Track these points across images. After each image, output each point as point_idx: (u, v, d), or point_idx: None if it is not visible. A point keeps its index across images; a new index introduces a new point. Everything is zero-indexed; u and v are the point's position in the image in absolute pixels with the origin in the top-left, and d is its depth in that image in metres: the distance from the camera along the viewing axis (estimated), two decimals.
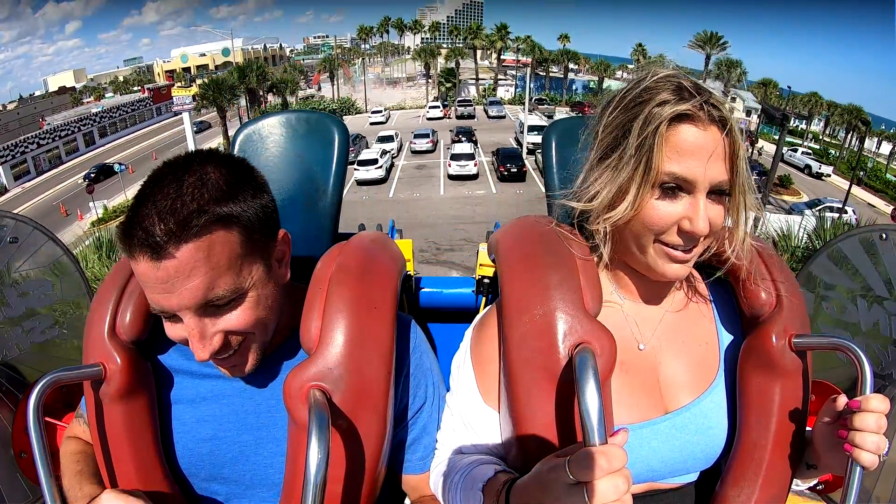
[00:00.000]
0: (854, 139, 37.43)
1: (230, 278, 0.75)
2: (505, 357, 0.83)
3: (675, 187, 0.76)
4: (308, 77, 61.76)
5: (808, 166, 32.99)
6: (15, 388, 1.26)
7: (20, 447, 1.22)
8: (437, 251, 16.87)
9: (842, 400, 0.76)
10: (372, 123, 43.42)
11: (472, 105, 47.30)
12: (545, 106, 47.49)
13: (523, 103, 36.54)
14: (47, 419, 1.19)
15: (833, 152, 37.94)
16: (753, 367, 0.85)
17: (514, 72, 62.05)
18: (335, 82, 56.08)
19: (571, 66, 56.87)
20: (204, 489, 0.92)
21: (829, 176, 32.35)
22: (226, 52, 57.69)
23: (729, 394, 0.89)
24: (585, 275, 0.84)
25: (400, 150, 32.75)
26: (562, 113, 41.09)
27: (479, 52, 61.19)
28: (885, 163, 36.28)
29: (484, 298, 1.53)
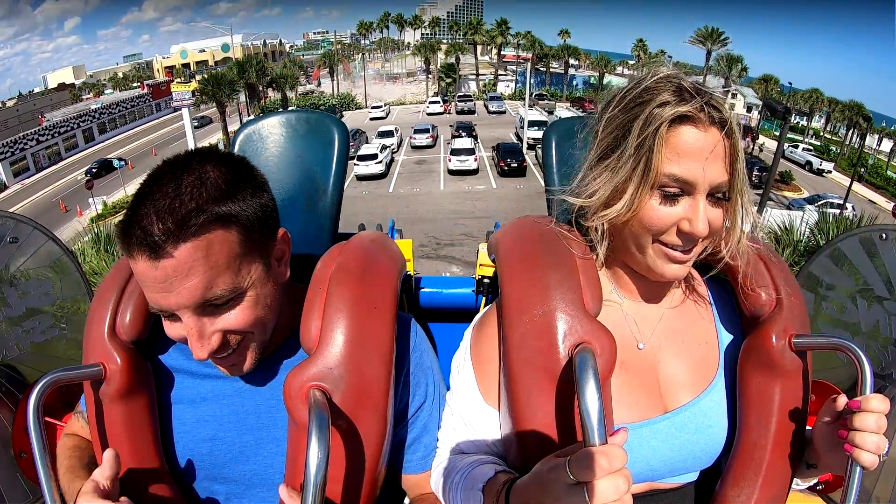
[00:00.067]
0: (855, 136, 37.35)
1: (229, 278, 0.75)
2: (505, 357, 0.83)
3: (676, 193, 0.76)
4: (308, 73, 61.60)
5: (808, 163, 32.92)
6: (15, 388, 1.26)
7: (20, 447, 1.22)
8: (437, 246, 16.90)
9: (842, 400, 0.76)
10: (372, 119, 43.39)
11: (472, 100, 47.19)
12: (545, 101, 47.43)
13: (523, 99, 36.51)
14: (47, 419, 1.19)
15: (834, 149, 37.87)
16: (753, 366, 0.85)
17: (514, 67, 61.80)
18: (335, 78, 55.89)
19: (572, 61, 56.62)
20: (204, 489, 0.92)
21: (830, 172, 32.29)
22: (225, 47, 57.48)
23: (729, 393, 0.89)
24: (585, 274, 0.84)
25: (400, 145, 32.73)
26: (562, 108, 41.02)
27: (479, 48, 60.99)
28: (886, 160, 36.19)
29: (484, 298, 1.53)
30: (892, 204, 23.57)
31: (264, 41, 67.32)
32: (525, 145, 28.36)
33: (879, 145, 40.17)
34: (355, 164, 25.55)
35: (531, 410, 0.79)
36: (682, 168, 0.74)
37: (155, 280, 0.71)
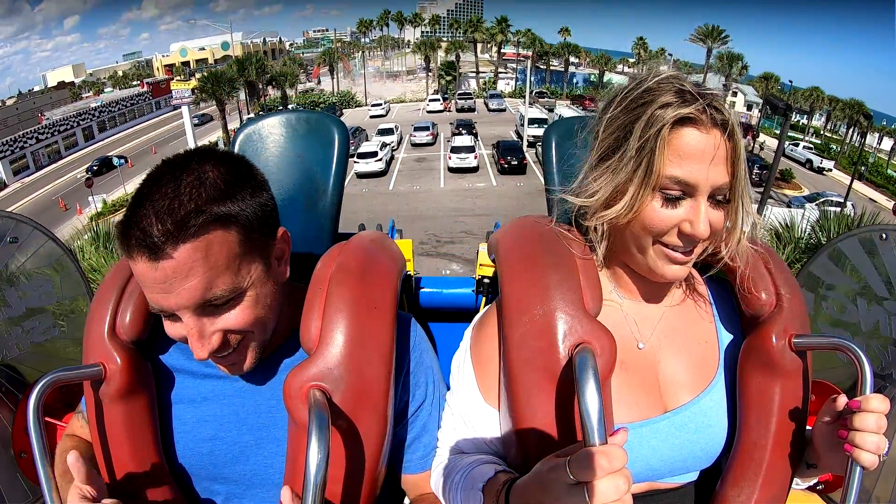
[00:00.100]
0: (855, 134, 37.30)
1: (228, 278, 0.75)
2: (505, 357, 0.83)
3: (678, 196, 0.76)
4: (308, 70, 61.52)
5: (809, 161, 32.88)
6: (15, 388, 1.26)
7: (20, 447, 1.22)
8: (437, 243, 16.91)
9: (842, 400, 0.76)
10: (372, 116, 43.35)
11: (472, 98, 47.09)
12: (546, 99, 47.42)
13: (524, 96, 36.41)
14: (47, 419, 1.19)
15: (834, 147, 37.81)
16: (753, 366, 0.85)
17: (514, 65, 61.74)
18: (335, 76, 55.84)
19: (572, 59, 56.59)
20: (204, 489, 0.92)
21: (831, 171, 32.24)
22: (225, 45, 57.43)
23: (729, 393, 0.89)
24: (585, 274, 0.84)
25: (400, 142, 32.71)
26: (562, 106, 40.91)
27: (479, 46, 60.89)
28: (887, 158, 36.14)
29: (484, 298, 1.53)
30: (893, 202, 23.55)
31: (264, 39, 67.20)
32: (525, 143, 28.34)
33: (880, 144, 40.08)
34: (355, 162, 25.54)
35: (531, 410, 0.79)
36: (683, 170, 0.74)
37: (155, 281, 0.71)
